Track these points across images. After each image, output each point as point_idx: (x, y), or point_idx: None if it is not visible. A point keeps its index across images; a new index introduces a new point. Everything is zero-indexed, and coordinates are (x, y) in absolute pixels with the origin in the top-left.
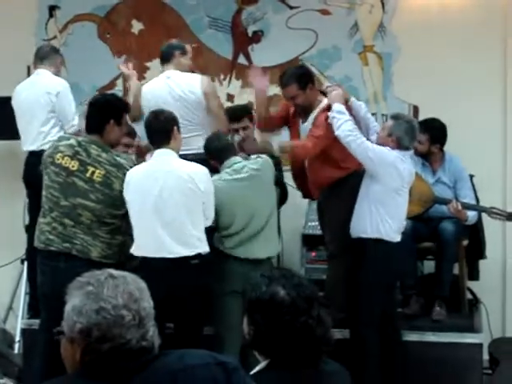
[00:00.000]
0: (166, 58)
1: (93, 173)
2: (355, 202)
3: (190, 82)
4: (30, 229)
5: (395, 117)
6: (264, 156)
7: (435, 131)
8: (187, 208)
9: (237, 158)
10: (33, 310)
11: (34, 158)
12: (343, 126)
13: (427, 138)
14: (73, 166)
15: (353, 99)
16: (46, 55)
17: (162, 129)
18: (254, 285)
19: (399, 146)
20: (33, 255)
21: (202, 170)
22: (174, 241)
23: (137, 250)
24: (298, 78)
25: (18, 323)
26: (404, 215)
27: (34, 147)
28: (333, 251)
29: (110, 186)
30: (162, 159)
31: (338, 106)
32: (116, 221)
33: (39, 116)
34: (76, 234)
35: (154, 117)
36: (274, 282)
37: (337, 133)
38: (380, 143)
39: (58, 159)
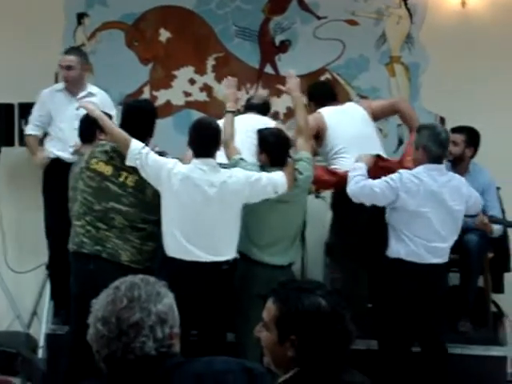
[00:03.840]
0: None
1: (126, 178)
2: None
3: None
4: (49, 234)
5: (417, 129)
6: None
7: (472, 133)
8: (224, 216)
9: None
10: (57, 315)
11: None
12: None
13: (463, 138)
14: (107, 171)
15: None
16: None
17: (213, 138)
18: (286, 297)
19: (430, 156)
20: (55, 261)
21: (236, 172)
22: (206, 247)
23: (169, 251)
24: None
25: (41, 328)
26: (433, 235)
27: None
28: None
29: (142, 191)
30: (206, 168)
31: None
32: (148, 226)
33: None
34: (108, 238)
35: (206, 126)
36: (310, 292)
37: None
38: (416, 164)
39: (93, 164)
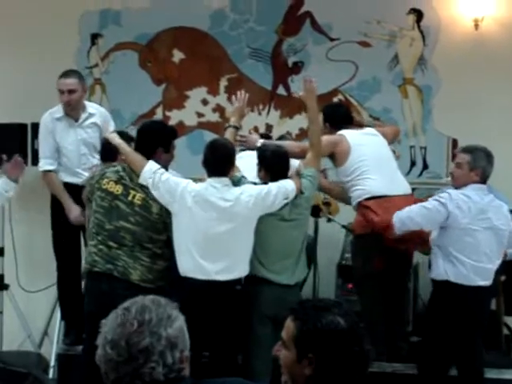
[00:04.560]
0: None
1: (134, 196)
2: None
3: None
4: (57, 253)
5: (469, 150)
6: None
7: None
8: (238, 231)
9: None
10: (68, 335)
11: None
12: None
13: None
14: (117, 191)
15: None
16: None
17: (228, 158)
18: (304, 316)
19: (483, 177)
20: (63, 282)
21: (247, 188)
22: (220, 263)
23: (183, 270)
24: None
25: (53, 348)
26: (483, 257)
27: None
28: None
29: (148, 210)
30: (219, 185)
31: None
32: (156, 246)
33: None
34: (119, 256)
35: (220, 147)
36: (328, 311)
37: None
38: (460, 183)
39: (104, 184)
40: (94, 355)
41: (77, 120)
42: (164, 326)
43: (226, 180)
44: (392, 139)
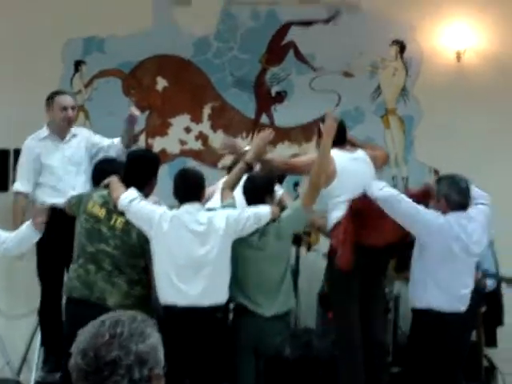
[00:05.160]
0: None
1: (116, 220)
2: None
3: None
4: (41, 277)
5: (437, 180)
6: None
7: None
8: (214, 254)
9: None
10: (47, 362)
11: None
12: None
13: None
14: (101, 214)
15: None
16: None
17: (199, 184)
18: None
19: (450, 204)
20: (46, 307)
21: (221, 211)
22: (200, 287)
23: (162, 297)
24: None
25: (32, 375)
26: (462, 283)
27: None
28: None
29: (128, 234)
30: (190, 212)
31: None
32: (134, 271)
33: None
34: (97, 281)
35: (188, 176)
36: (286, 340)
37: (377, 194)
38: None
39: (89, 208)
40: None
41: (63, 139)
42: (135, 342)
43: (198, 205)
44: (381, 164)
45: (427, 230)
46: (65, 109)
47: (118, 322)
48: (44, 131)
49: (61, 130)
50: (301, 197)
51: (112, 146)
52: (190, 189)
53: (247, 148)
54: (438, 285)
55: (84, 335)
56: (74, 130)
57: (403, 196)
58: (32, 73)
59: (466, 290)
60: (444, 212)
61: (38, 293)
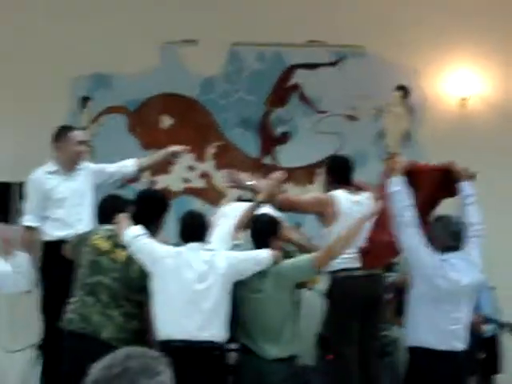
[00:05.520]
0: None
1: (118, 254)
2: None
3: None
4: (45, 312)
5: (433, 220)
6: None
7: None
8: (214, 292)
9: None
10: None
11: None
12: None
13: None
14: (104, 247)
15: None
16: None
17: (204, 225)
18: None
19: (442, 247)
20: (47, 339)
21: (223, 252)
22: (198, 323)
23: (161, 332)
24: None
25: None
26: (451, 319)
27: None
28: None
29: (129, 268)
30: (194, 250)
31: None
32: (131, 305)
33: None
34: (93, 313)
35: (197, 216)
36: (286, 378)
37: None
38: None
39: (94, 240)
40: None
41: (71, 172)
42: (147, 377)
43: (201, 244)
44: None
45: (418, 264)
46: (80, 143)
47: (132, 356)
48: (51, 166)
49: (71, 164)
50: (314, 256)
51: (123, 166)
52: (194, 229)
53: (250, 183)
54: (427, 322)
55: (97, 366)
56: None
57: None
58: (36, 106)
59: (456, 326)
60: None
61: (36, 327)
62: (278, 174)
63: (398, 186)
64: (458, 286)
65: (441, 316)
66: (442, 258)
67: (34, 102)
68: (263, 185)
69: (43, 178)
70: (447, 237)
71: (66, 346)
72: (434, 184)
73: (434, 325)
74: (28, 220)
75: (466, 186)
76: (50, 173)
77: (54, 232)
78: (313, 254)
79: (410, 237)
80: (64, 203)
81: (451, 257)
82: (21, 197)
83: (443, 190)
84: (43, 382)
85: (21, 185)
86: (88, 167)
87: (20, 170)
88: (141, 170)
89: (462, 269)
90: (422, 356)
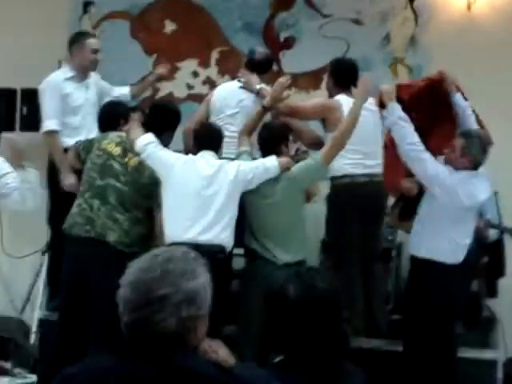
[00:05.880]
0: (262, 70)
1: (130, 159)
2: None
3: None
4: (52, 220)
5: (466, 134)
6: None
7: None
8: (221, 197)
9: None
10: (53, 301)
11: None
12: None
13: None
14: (115, 151)
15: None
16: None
17: (217, 136)
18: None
19: (475, 164)
20: (52, 246)
21: (232, 162)
22: (204, 225)
23: (169, 236)
24: None
25: (34, 314)
26: (468, 234)
27: None
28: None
29: (140, 173)
30: (207, 155)
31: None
32: (139, 211)
33: None
34: (99, 216)
35: (212, 126)
36: (289, 280)
37: (403, 148)
38: (453, 165)
39: (104, 144)
40: (68, 316)
41: (84, 80)
42: (186, 279)
43: (212, 152)
44: None
45: (444, 189)
46: (95, 52)
47: (171, 258)
48: (67, 71)
49: (85, 72)
50: (321, 153)
51: (121, 96)
52: (209, 138)
53: (258, 86)
54: (447, 238)
55: (135, 267)
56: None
57: (427, 155)
58: (38, 12)
59: (469, 239)
60: (461, 167)
61: (42, 234)
62: (282, 80)
63: (394, 114)
64: (477, 203)
65: (459, 231)
66: (465, 175)
67: (35, 8)
68: (269, 90)
69: (61, 83)
70: (482, 157)
71: (69, 250)
72: (428, 104)
73: (452, 239)
74: (50, 125)
75: (459, 98)
76: (67, 79)
77: (66, 140)
78: (320, 152)
79: (427, 164)
80: (79, 111)
81: (473, 175)
82: (23, 103)
83: (438, 108)
84: (50, 287)
85: (23, 91)
86: (98, 81)
87: (23, 76)
88: (133, 98)
89: (481, 186)
90: (431, 267)
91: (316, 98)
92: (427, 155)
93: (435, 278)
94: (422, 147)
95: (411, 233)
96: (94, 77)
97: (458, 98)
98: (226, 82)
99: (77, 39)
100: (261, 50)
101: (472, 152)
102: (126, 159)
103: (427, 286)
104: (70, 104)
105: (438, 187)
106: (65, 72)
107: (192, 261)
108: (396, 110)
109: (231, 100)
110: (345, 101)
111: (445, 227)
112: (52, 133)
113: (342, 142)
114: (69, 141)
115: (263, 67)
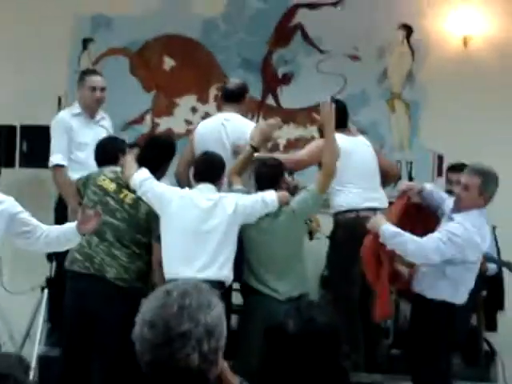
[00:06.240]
0: (235, 99)
1: (125, 195)
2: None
3: (245, 131)
4: (52, 256)
5: (480, 172)
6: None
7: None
8: (219, 232)
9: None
10: (53, 337)
11: None
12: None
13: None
14: (111, 188)
15: (426, 188)
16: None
17: (217, 167)
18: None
19: (488, 202)
20: (54, 282)
21: (230, 195)
22: (203, 261)
23: (167, 272)
24: None
25: (34, 350)
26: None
27: None
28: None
29: (137, 209)
30: (204, 188)
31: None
32: (137, 246)
33: None
34: (98, 253)
35: (212, 157)
36: (289, 314)
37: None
38: (466, 207)
39: (100, 181)
40: (71, 352)
41: (92, 118)
42: (204, 313)
43: (209, 185)
44: (391, 179)
45: (462, 249)
46: (94, 89)
47: (186, 292)
48: (76, 108)
49: (90, 110)
50: (315, 184)
51: None
52: (208, 170)
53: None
54: (453, 278)
55: (149, 305)
56: (102, 112)
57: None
58: (39, 49)
59: (474, 280)
60: (471, 207)
61: (42, 269)
62: (272, 121)
63: (392, 237)
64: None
65: (470, 275)
66: (475, 221)
67: (36, 45)
68: (257, 130)
69: (69, 119)
70: (496, 188)
71: (70, 285)
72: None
73: (461, 282)
74: (55, 159)
75: (426, 193)
76: (74, 115)
77: (73, 174)
78: (314, 183)
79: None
80: (86, 147)
81: (482, 214)
82: (23, 139)
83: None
84: (50, 323)
85: (22, 128)
86: (109, 122)
87: (23, 113)
88: None
89: (485, 231)
90: (439, 307)
91: (314, 142)
92: (434, 241)
93: (444, 318)
94: (423, 240)
95: (419, 273)
96: (108, 121)
97: (425, 194)
98: (206, 120)
99: (80, 76)
100: (235, 81)
101: (490, 189)
102: (122, 195)
103: (430, 322)
104: (76, 140)
105: (457, 254)
106: (73, 108)
107: (206, 292)
108: (387, 232)
109: (211, 136)
110: (338, 137)
111: (452, 271)
112: (58, 167)
113: (331, 168)
114: (75, 175)
115: (235, 96)
